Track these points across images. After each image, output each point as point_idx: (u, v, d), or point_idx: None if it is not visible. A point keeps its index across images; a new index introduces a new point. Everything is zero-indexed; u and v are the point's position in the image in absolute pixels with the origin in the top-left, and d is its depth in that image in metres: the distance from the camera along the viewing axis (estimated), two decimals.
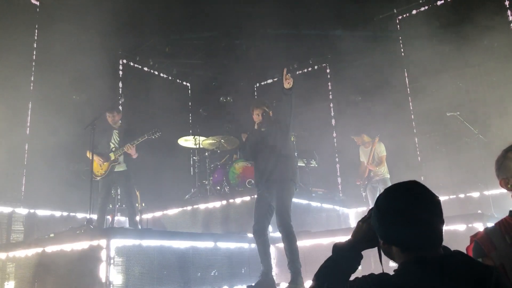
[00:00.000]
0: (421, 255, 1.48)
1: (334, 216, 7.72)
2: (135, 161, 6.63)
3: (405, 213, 1.50)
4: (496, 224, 2.02)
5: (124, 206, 7.25)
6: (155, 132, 6.38)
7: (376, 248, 1.68)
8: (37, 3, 8.14)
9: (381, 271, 1.54)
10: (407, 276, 1.47)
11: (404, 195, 1.55)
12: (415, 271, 1.46)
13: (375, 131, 7.94)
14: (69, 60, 8.16)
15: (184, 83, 11.45)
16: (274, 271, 5.66)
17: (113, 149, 6.49)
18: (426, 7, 9.06)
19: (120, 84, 9.71)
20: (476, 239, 2.01)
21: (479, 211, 5.62)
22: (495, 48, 8.08)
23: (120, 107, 7.25)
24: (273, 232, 5.87)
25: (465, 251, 2.07)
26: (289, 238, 4.79)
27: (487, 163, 6.68)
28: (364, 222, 1.72)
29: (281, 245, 5.15)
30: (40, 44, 8.04)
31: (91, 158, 6.22)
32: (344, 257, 1.71)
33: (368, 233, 1.67)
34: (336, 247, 1.75)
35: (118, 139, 6.58)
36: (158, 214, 7.55)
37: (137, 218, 6.85)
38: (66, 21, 8.32)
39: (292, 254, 4.75)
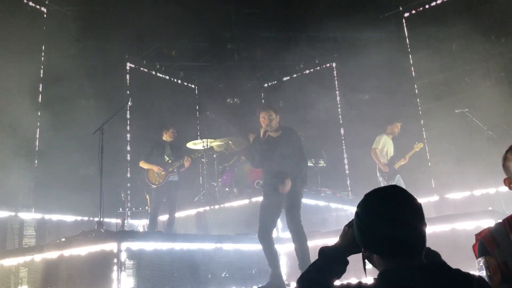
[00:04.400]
0: (400, 264, 1.44)
1: (343, 216, 7.70)
2: (186, 171, 7.31)
3: (383, 217, 1.46)
4: (501, 221, 2.01)
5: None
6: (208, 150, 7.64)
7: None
8: (45, 9, 8.21)
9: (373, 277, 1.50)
10: (384, 286, 1.43)
11: (383, 199, 1.51)
12: (393, 280, 1.42)
13: (383, 129, 7.91)
14: (77, 65, 8.22)
15: (191, 85, 11.48)
16: (284, 272, 5.66)
17: (169, 162, 7.13)
18: (432, 4, 9.00)
19: (128, 88, 9.75)
20: (481, 237, 2.00)
21: (490, 208, 5.58)
22: (503, 44, 8.02)
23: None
24: (283, 232, 5.87)
25: (472, 250, 2.06)
26: (300, 238, 4.79)
27: (496, 159, 6.63)
28: (350, 227, 1.68)
29: (291, 245, 5.14)
30: (47, 49, 8.11)
31: (144, 167, 7.16)
32: (329, 262, 1.68)
33: (354, 239, 1.62)
34: (322, 252, 1.72)
35: (171, 152, 7.26)
36: (167, 216, 7.56)
37: (147, 221, 6.95)
38: (73, 27, 8.38)
39: (303, 254, 4.75)
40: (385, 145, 7.80)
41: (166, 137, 7.35)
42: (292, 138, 5.03)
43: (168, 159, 7.20)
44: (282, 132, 5.05)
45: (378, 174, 7.79)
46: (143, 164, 7.19)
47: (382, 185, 7.45)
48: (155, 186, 7.09)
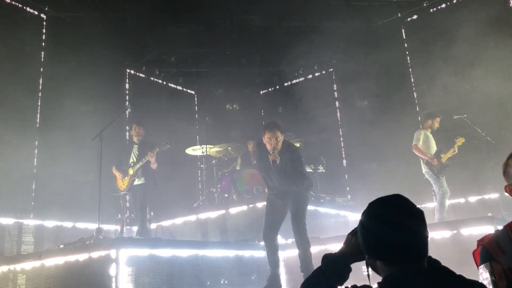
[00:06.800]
0: (404, 269, 1.48)
1: (342, 222, 7.68)
2: (154, 173, 6.81)
3: (386, 225, 1.51)
4: (503, 227, 2.01)
5: (132, 215, 7.33)
6: (165, 144, 6.69)
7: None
8: (44, 16, 8.23)
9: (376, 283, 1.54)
10: None
11: (386, 208, 1.57)
12: (397, 284, 1.46)
13: (382, 134, 7.91)
14: (76, 71, 8.23)
15: (190, 91, 11.50)
16: (283, 278, 5.65)
17: (131, 164, 6.78)
18: (430, 10, 9.04)
19: (127, 94, 9.76)
20: (484, 243, 1.99)
21: (489, 214, 5.57)
22: (501, 48, 8.04)
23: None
24: (282, 238, 5.86)
25: (472, 256, 2.06)
26: (304, 243, 4.87)
27: (495, 165, 6.63)
28: (353, 235, 1.73)
29: (289, 252, 5.16)
30: (47, 56, 8.12)
31: (114, 174, 6.83)
32: (332, 269, 1.72)
33: (357, 247, 1.67)
34: (326, 258, 1.76)
35: (137, 153, 6.85)
36: (166, 223, 7.56)
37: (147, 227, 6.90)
38: (72, 34, 8.40)
39: (306, 258, 4.83)
40: (426, 140, 7.35)
41: (133, 137, 7.05)
42: (292, 154, 4.96)
43: (132, 161, 6.87)
44: (282, 148, 4.95)
45: (424, 171, 7.28)
46: (114, 171, 6.93)
47: (432, 182, 7.22)
48: (121, 193, 6.91)
